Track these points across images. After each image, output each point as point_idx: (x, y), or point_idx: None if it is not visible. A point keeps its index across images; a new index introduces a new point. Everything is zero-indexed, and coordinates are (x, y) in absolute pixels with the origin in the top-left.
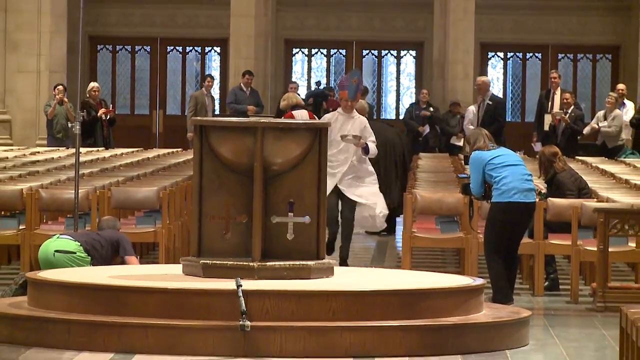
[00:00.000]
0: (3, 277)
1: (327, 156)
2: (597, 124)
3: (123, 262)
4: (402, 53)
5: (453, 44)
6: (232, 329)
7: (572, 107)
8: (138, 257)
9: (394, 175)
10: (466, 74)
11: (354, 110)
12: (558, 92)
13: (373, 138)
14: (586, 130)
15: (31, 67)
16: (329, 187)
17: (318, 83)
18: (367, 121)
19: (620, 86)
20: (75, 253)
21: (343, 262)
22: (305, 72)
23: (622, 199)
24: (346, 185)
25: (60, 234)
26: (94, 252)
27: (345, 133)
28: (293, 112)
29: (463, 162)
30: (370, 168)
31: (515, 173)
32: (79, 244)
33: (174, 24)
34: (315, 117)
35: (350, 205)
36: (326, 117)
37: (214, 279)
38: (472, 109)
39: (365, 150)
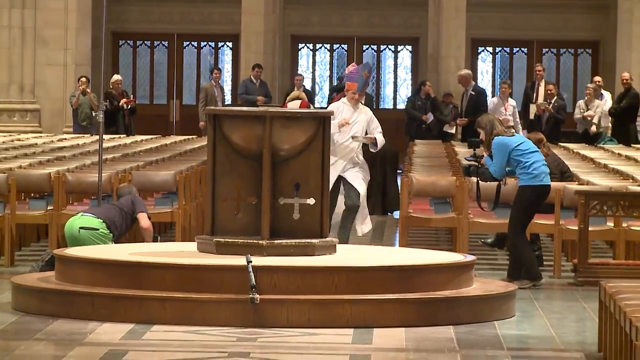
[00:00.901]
0: (33, 253)
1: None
2: (581, 112)
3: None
4: (399, 48)
5: (446, 40)
6: (242, 302)
7: (555, 97)
8: (150, 217)
9: (389, 175)
10: (458, 67)
11: (360, 103)
12: (542, 83)
13: (380, 129)
14: (576, 116)
15: (59, 60)
16: (332, 177)
17: (340, 78)
18: (371, 111)
19: (597, 78)
20: (98, 230)
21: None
22: (310, 66)
23: (601, 182)
24: (350, 175)
25: (84, 212)
26: (114, 229)
27: (354, 132)
28: (288, 103)
29: (471, 146)
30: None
31: (540, 158)
32: (102, 221)
33: (189, 20)
34: (312, 106)
35: (356, 192)
36: (331, 107)
37: (226, 256)
38: (494, 99)
39: (375, 143)
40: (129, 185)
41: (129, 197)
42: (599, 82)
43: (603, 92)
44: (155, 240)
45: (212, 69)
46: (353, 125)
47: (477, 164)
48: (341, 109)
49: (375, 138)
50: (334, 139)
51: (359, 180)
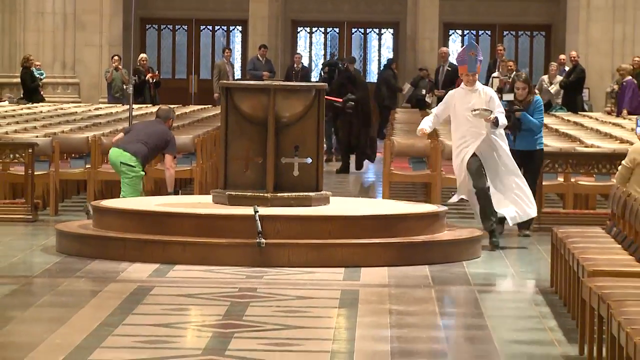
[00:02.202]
0: (74, 205)
1: (459, 136)
2: (545, 86)
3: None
4: (383, 31)
5: (422, 24)
6: (250, 246)
7: (514, 72)
8: (176, 164)
9: (362, 124)
10: (432, 48)
11: (477, 82)
12: (501, 61)
13: (501, 109)
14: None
15: (95, 42)
16: (465, 159)
17: (332, 55)
18: (494, 92)
19: (562, 56)
20: (134, 167)
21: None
22: (307, 46)
23: (553, 144)
24: (485, 159)
25: (125, 148)
26: (142, 156)
27: (462, 114)
28: None
29: (510, 106)
30: (503, 141)
31: None
32: (140, 162)
33: (205, 8)
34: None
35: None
36: (450, 94)
37: (236, 207)
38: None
39: (495, 123)
40: (168, 110)
41: (165, 134)
42: (563, 59)
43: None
44: (176, 193)
45: (224, 48)
46: (471, 108)
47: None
48: (456, 94)
49: (497, 117)
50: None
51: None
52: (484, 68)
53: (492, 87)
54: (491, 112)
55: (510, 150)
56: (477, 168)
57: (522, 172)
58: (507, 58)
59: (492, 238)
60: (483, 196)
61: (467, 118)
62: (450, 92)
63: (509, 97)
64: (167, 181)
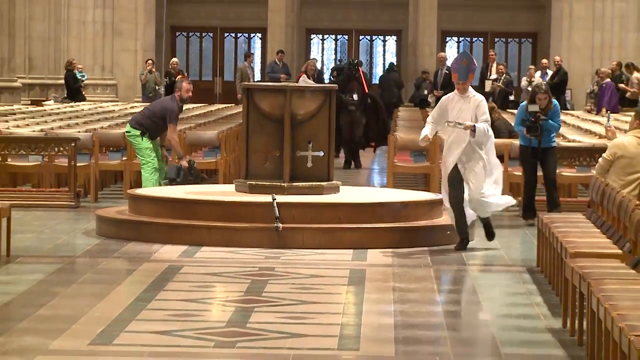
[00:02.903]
0: (112, 193)
1: (450, 140)
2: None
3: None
4: (387, 38)
5: (422, 32)
6: (269, 229)
7: (504, 74)
8: (177, 126)
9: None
10: (431, 53)
11: (469, 90)
12: (495, 65)
13: (486, 117)
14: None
15: (131, 47)
16: (450, 166)
17: (341, 60)
18: (482, 100)
19: (544, 60)
20: (137, 137)
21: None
22: (319, 52)
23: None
24: (465, 168)
25: (129, 123)
26: (141, 126)
27: (452, 118)
28: (300, 78)
29: (533, 114)
30: (480, 154)
31: None
32: (140, 131)
33: (228, 17)
34: (305, 77)
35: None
36: (444, 98)
37: (256, 195)
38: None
39: (473, 131)
40: (176, 81)
41: (166, 106)
42: (545, 64)
43: (548, 71)
44: (201, 181)
45: (247, 54)
46: (458, 114)
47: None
48: (452, 99)
49: (473, 125)
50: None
51: (475, 175)
52: (478, 70)
53: (485, 88)
54: (461, 124)
55: (533, 148)
56: (457, 180)
57: (540, 165)
58: (497, 62)
59: (462, 245)
60: (458, 209)
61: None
62: (444, 97)
63: (534, 107)
64: (173, 149)
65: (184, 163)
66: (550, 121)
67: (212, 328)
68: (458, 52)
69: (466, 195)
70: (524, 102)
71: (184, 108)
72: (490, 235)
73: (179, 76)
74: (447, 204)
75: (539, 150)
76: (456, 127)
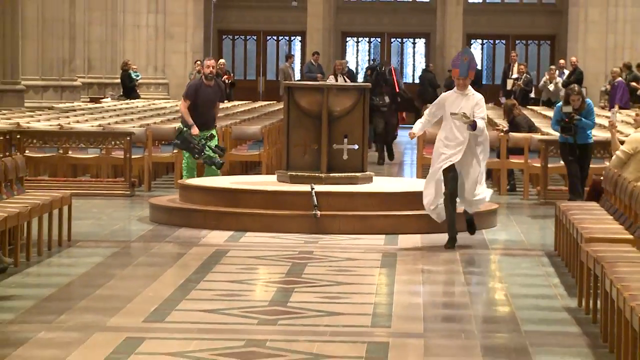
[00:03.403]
0: (164, 182)
1: (443, 136)
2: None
3: None
4: (416, 40)
5: (449, 35)
6: (308, 216)
7: (525, 74)
8: (186, 102)
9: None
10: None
11: (469, 87)
12: (516, 65)
13: (483, 114)
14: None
15: (181, 49)
16: (448, 163)
17: (374, 60)
18: (481, 98)
19: (562, 61)
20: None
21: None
22: (354, 53)
23: (556, 133)
24: (462, 170)
25: None
26: (192, 125)
27: (456, 111)
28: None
29: (567, 115)
30: (479, 159)
31: None
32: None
33: (271, 21)
34: (332, 78)
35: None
36: (442, 95)
37: (296, 184)
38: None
39: (473, 127)
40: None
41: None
42: (562, 64)
43: (565, 70)
44: (211, 163)
45: (287, 55)
46: (457, 111)
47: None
48: (449, 96)
49: (474, 121)
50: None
51: (471, 179)
52: (500, 69)
53: (507, 86)
54: (468, 117)
55: (570, 144)
56: (454, 179)
57: (577, 160)
58: (519, 62)
59: (453, 243)
60: (451, 202)
61: (454, 122)
62: (443, 94)
63: (568, 108)
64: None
65: (193, 130)
66: (584, 120)
67: (256, 307)
68: (482, 53)
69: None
70: (560, 103)
71: (227, 90)
72: (472, 229)
73: (225, 76)
74: (429, 205)
75: (576, 147)
76: (462, 119)
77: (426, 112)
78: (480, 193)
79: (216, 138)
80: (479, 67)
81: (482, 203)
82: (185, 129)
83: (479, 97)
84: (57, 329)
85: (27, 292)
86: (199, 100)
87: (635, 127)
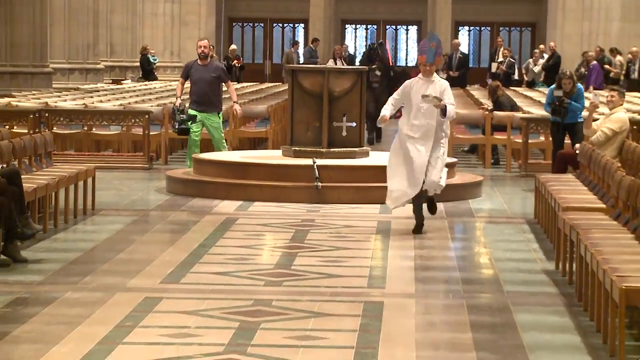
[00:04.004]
0: (179, 156)
1: (409, 123)
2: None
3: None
4: (409, 28)
5: (439, 22)
6: (310, 188)
7: (508, 58)
8: (182, 78)
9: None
10: (446, 40)
11: (434, 74)
12: (501, 49)
13: (452, 101)
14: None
15: (195, 35)
16: (419, 153)
17: (372, 44)
18: (447, 85)
19: (542, 46)
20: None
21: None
22: (352, 39)
23: (536, 111)
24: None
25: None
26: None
27: (416, 102)
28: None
29: (559, 98)
30: (445, 141)
31: None
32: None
33: (277, 10)
34: (332, 61)
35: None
36: (407, 82)
37: (300, 158)
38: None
39: (444, 112)
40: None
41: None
42: (542, 49)
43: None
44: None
45: (293, 42)
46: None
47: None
48: (413, 84)
49: (445, 105)
50: (411, 120)
51: (437, 161)
52: (486, 54)
53: (492, 69)
54: (441, 100)
55: (559, 124)
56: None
57: (568, 138)
58: (504, 47)
59: (420, 229)
60: (420, 194)
61: (420, 108)
62: (408, 81)
63: (558, 93)
64: None
65: (177, 102)
66: (573, 103)
67: (263, 270)
68: (468, 39)
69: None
70: (552, 87)
71: (237, 73)
72: (433, 208)
73: (235, 61)
74: (395, 193)
75: (564, 127)
76: (433, 101)
77: (390, 99)
78: (444, 176)
79: (218, 122)
80: (465, 51)
81: (441, 188)
82: (174, 105)
83: (445, 84)
84: (82, 289)
85: (55, 256)
86: (193, 78)
87: (610, 108)
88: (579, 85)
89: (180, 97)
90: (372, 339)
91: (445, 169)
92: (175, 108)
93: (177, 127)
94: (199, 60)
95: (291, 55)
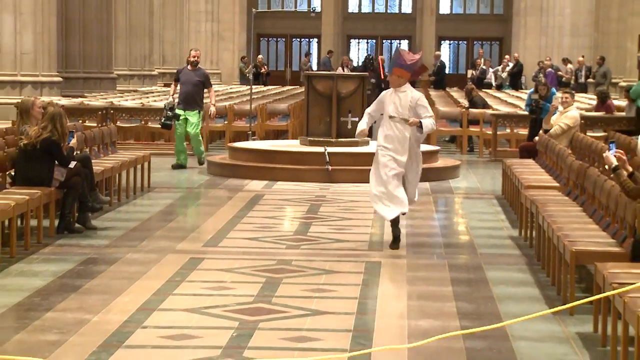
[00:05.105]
0: (218, 145)
1: (384, 134)
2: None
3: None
4: (401, 41)
5: (425, 37)
6: (322, 170)
7: (481, 66)
8: (175, 81)
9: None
10: (431, 52)
11: (406, 85)
12: (482, 59)
13: (429, 112)
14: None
15: (229, 48)
16: (396, 170)
17: (369, 55)
18: (421, 97)
19: (507, 56)
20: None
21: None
22: (356, 51)
23: (503, 109)
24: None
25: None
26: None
27: (389, 112)
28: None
29: (534, 101)
30: (420, 155)
31: None
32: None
33: (295, 28)
34: (340, 69)
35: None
36: (383, 93)
37: (314, 146)
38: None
39: (420, 127)
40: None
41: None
42: (508, 58)
43: (510, 63)
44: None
45: (306, 53)
46: (394, 108)
47: (538, 109)
48: (389, 93)
49: (419, 121)
50: (386, 131)
51: (414, 176)
52: (462, 63)
53: (468, 74)
54: (407, 120)
55: (536, 120)
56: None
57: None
58: (482, 58)
59: (395, 242)
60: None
61: (392, 119)
62: (384, 92)
63: (535, 96)
64: None
65: (168, 100)
66: (547, 104)
67: (285, 235)
68: (449, 51)
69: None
70: (531, 91)
71: (264, 78)
72: (393, 247)
73: (263, 69)
74: (382, 207)
75: (539, 122)
76: (401, 122)
77: (366, 112)
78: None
79: (196, 120)
80: (445, 61)
81: (413, 203)
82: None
83: (418, 96)
84: (139, 251)
85: (118, 224)
86: (182, 80)
87: (564, 107)
88: (553, 89)
89: (172, 95)
90: (372, 292)
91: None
92: (165, 105)
93: (162, 121)
94: (189, 66)
95: (306, 63)
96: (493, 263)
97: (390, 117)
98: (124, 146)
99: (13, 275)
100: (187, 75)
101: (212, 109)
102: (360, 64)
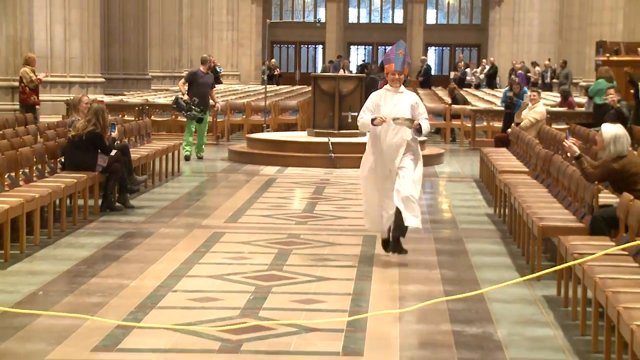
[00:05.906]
0: (237, 136)
1: (380, 138)
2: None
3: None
4: None
5: (414, 43)
6: (326, 157)
7: (462, 68)
8: (183, 80)
9: None
10: (419, 57)
11: (402, 86)
12: (462, 62)
13: (425, 115)
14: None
15: (247, 53)
16: (385, 174)
17: (364, 60)
18: (418, 98)
19: (484, 60)
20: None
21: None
22: (356, 56)
23: (482, 105)
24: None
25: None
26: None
27: (395, 115)
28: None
29: (509, 98)
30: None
31: None
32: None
33: (303, 36)
34: (342, 71)
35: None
36: (373, 94)
37: (319, 137)
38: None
39: (419, 130)
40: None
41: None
42: (485, 62)
43: (487, 66)
44: (192, 114)
45: (330, 61)
46: (394, 110)
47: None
48: (381, 95)
49: (419, 124)
50: (380, 137)
51: (408, 170)
52: (446, 65)
53: (451, 75)
54: (412, 120)
55: (510, 114)
56: (392, 189)
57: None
58: (463, 61)
59: (395, 246)
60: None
61: (390, 122)
62: (374, 93)
63: (510, 93)
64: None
65: (186, 97)
66: (520, 100)
67: (294, 213)
68: (435, 56)
69: (396, 188)
70: (506, 89)
71: (277, 79)
72: (400, 248)
73: (276, 71)
74: (372, 222)
75: (512, 116)
76: (405, 124)
77: (364, 108)
78: (417, 199)
79: (208, 118)
80: (430, 64)
81: (417, 220)
82: (179, 97)
83: (415, 96)
84: (170, 226)
85: (152, 203)
86: (198, 82)
87: (533, 103)
88: (525, 88)
89: (185, 93)
90: (368, 261)
91: (418, 207)
92: (187, 102)
93: (195, 116)
94: (202, 69)
95: (327, 67)
96: (472, 236)
97: (394, 119)
98: (157, 137)
99: (63, 246)
100: (203, 77)
101: (218, 106)
102: (358, 65)
